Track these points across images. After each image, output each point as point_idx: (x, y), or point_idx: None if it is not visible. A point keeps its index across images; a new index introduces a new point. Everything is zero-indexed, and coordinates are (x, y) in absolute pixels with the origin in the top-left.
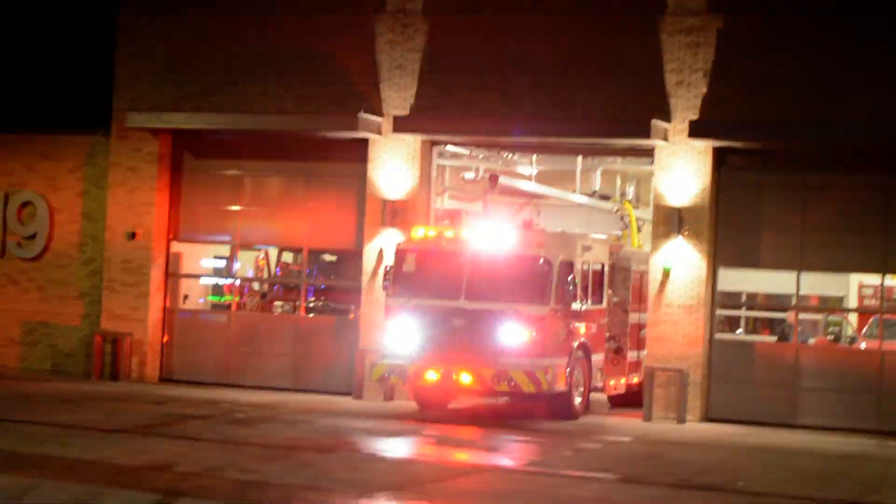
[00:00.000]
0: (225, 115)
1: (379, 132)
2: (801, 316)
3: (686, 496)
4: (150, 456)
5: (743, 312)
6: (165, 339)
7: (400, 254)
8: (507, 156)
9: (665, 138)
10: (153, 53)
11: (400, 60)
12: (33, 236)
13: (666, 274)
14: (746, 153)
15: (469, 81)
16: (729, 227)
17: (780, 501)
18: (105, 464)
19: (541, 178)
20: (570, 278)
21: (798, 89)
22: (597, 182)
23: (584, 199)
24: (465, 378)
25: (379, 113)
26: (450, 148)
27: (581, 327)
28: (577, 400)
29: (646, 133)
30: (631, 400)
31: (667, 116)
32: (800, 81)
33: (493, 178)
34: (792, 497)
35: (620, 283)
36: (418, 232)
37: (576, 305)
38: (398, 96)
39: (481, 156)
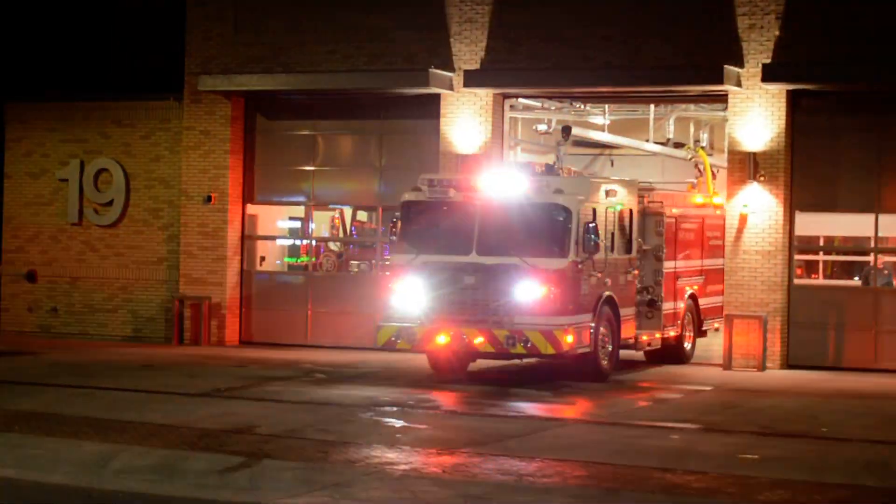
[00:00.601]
0: (296, 75)
1: (450, 87)
2: (881, 259)
3: (770, 444)
4: (232, 419)
5: (821, 257)
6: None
7: (406, 206)
8: (579, 106)
9: (738, 83)
10: (223, 16)
11: (469, 14)
12: (110, 203)
13: (743, 220)
14: (821, 95)
15: (539, 33)
16: (805, 170)
17: (864, 447)
18: (188, 428)
19: (613, 127)
20: (591, 226)
21: (872, 28)
22: (670, 130)
23: (657, 148)
24: (478, 340)
25: (450, 68)
26: (522, 100)
27: (607, 280)
28: (606, 360)
29: (718, 79)
30: (669, 355)
31: (739, 61)
32: (873, 20)
33: (566, 130)
34: (876, 441)
35: (652, 230)
36: (425, 181)
37: (599, 256)
38: (468, 50)
39: (553, 107)
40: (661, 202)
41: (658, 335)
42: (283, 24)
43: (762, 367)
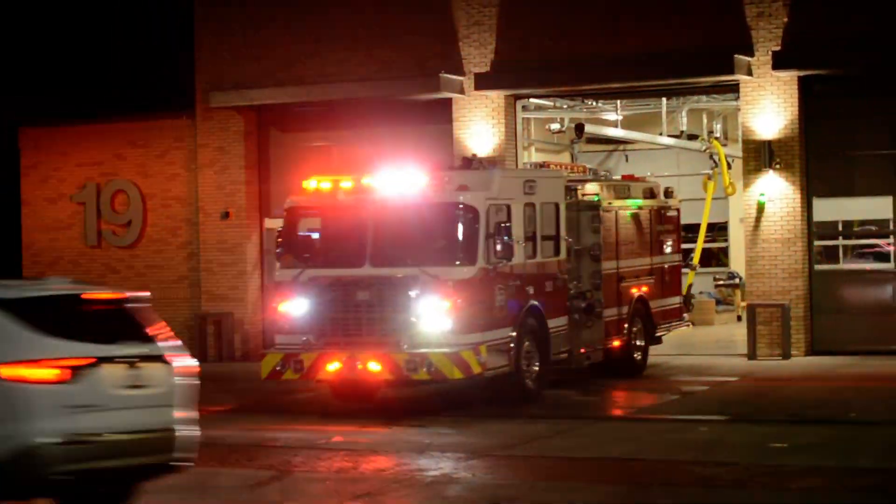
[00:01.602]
0: (307, 86)
1: (461, 91)
2: None
3: (800, 431)
4: (261, 434)
5: (840, 242)
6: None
7: (290, 212)
8: (591, 104)
9: (749, 72)
10: (232, 31)
11: (477, 17)
12: (128, 223)
13: (760, 209)
14: (832, 80)
15: (547, 32)
16: (820, 156)
17: (894, 430)
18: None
19: (627, 123)
20: (504, 227)
21: (880, 11)
22: (683, 122)
23: (671, 141)
24: (374, 366)
25: (460, 72)
26: (533, 100)
27: (529, 288)
28: (532, 379)
29: (729, 69)
30: (616, 367)
31: (749, 50)
32: (880, 2)
33: (579, 128)
34: None
35: (587, 226)
36: (311, 183)
37: (518, 261)
38: (478, 53)
39: (566, 106)
40: (599, 193)
41: (599, 346)
42: (292, 36)
43: (787, 355)
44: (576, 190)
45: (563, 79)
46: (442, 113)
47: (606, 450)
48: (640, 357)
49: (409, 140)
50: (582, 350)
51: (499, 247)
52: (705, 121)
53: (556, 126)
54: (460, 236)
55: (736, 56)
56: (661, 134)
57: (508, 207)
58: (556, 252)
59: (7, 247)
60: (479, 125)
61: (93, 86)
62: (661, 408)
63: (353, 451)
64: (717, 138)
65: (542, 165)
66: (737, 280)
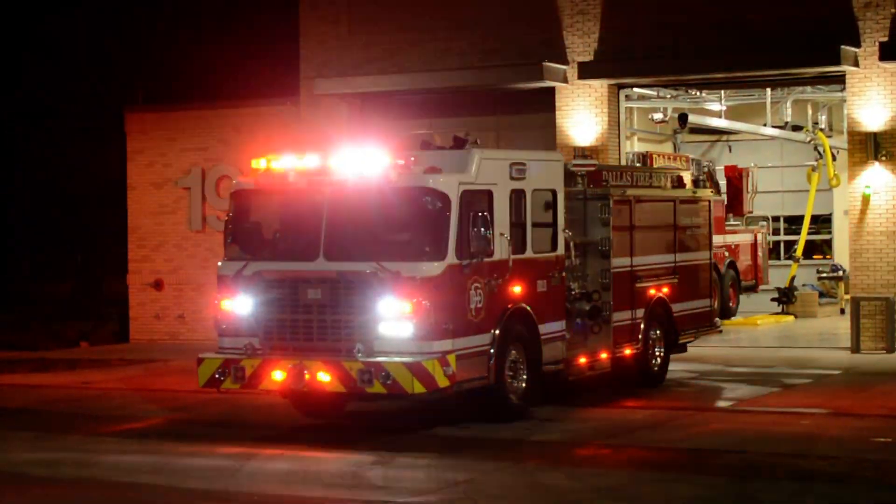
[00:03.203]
0: (410, 75)
1: (565, 80)
2: None
3: None
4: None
5: None
6: None
7: (236, 197)
8: (694, 93)
9: (855, 63)
10: (337, 19)
11: (581, 6)
12: None
13: (866, 201)
14: None
15: (651, 21)
16: None
17: None
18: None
19: (730, 113)
20: (481, 217)
21: None
22: (788, 113)
23: (775, 132)
24: (324, 376)
25: (564, 61)
26: (637, 90)
27: (516, 287)
28: (517, 394)
29: (835, 60)
30: (628, 377)
31: (855, 41)
32: None
33: (683, 118)
34: None
35: (595, 218)
36: (260, 163)
37: (500, 256)
38: (582, 42)
39: (669, 96)
40: (609, 180)
41: (605, 354)
42: (396, 25)
43: (891, 349)
44: (582, 177)
45: (666, 68)
46: (544, 102)
47: (706, 442)
48: (657, 367)
49: (513, 129)
50: (582, 359)
51: (474, 240)
52: (810, 112)
53: (658, 116)
54: (427, 227)
55: (842, 47)
56: (765, 124)
57: (489, 194)
58: (553, 247)
59: (114, 230)
60: (582, 114)
61: (199, 72)
62: (764, 400)
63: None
64: (821, 129)
65: (644, 155)
66: (840, 273)
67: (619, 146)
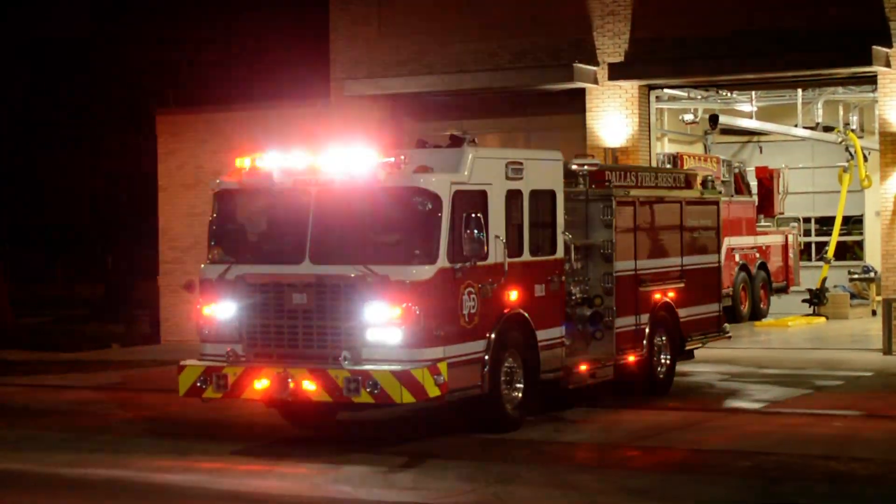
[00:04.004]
0: (441, 76)
1: (595, 81)
2: None
3: None
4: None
5: None
6: None
7: (219, 197)
8: (725, 94)
9: (887, 64)
10: (368, 21)
11: (611, 7)
12: None
13: None
14: None
15: (681, 21)
16: None
17: None
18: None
19: (761, 114)
20: (474, 219)
21: None
22: (819, 114)
23: (806, 133)
24: (308, 385)
25: (594, 62)
26: (667, 91)
27: (513, 292)
28: (513, 404)
29: (866, 60)
30: (631, 386)
31: (887, 41)
32: None
33: (713, 119)
34: None
35: (597, 220)
36: (244, 161)
37: (494, 260)
38: (612, 43)
39: (700, 97)
40: (612, 181)
41: (608, 362)
42: (426, 26)
43: None
44: (584, 177)
45: (696, 69)
46: (575, 103)
47: (738, 443)
48: (663, 375)
49: (543, 130)
50: (583, 366)
51: (467, 242)
52: (841, 112)
53: (689, 117)
54: (417, 228)
55: (874, 47)
56: (796, 125)
57: (483, 194)
58: (552, 250)
59: (145, 233)
60: (613, 115)
61: (232, 74)
62: (795, 402)
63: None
64: (853, 130)
65: (674, 156)
66: (872, 274)
67: (650, 147)
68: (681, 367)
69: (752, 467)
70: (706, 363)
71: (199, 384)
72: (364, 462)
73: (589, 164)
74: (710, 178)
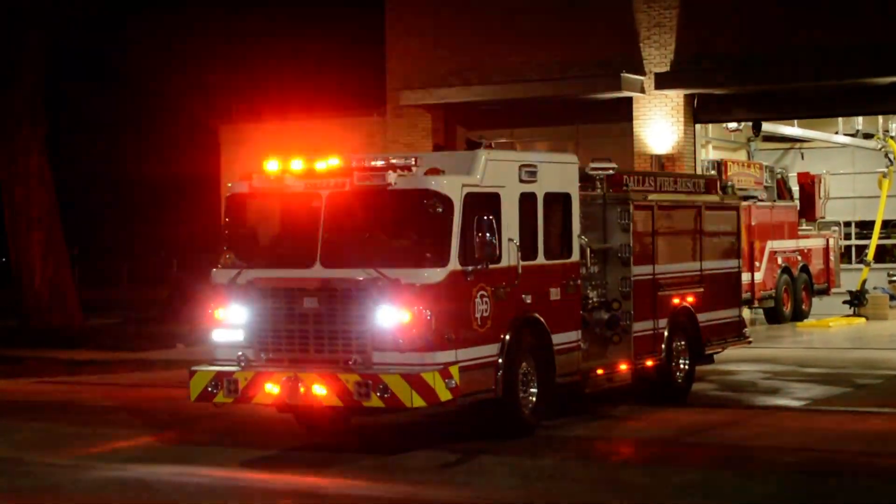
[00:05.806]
0: (493, 86)
1: (642, 90)
2: None
3: None
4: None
5: None
6: None
7: (231, 202)
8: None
9: None
10: (422, 32)
11: (658, 18)
12: None
13: None
14: None
15: (726, 33)
16: None
17: None
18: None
19: (803, 121)
20: (486, 222)
21: None
22: (859, 121)
23: (847, 140)
24: (319, 389)
25: (641, 72)
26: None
27: (527, 296)
28: (529, 408)
29: None
30: (650, 391)
31: None
32: None
33: (756, 126)
34: None
35: (615, 224)
36: (258, 167)
37: (508, 263)
38: (658, 54)
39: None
40: (629, 184)
41: (625, 366)
42: (479, 37)
43: None
44: (601, 181)
45: (740, 79)
46: (621, 111)
47: (780, 440)
48: (681, 380)
49: (591, 137)
50: (600, 371)
51: (479, 245)
52: (881, 120)
53: (733, 124)
54: (429, 231)
55: None
56: (836, 133)
57: (496, 197)
58: (567, 253)
59: (209, 238)
60: (659, 123)
61: (288, 88)
62: (834, 399)
63: None
64: (892, 137)
65: (718, 163)
66: None
67: (695, 154)
68: (724, 365)
69: (796, 463)
70: (749, 362)
71: (210, 389)
72: (419, 459)
73: (605, 168)
74: (729, 183)
